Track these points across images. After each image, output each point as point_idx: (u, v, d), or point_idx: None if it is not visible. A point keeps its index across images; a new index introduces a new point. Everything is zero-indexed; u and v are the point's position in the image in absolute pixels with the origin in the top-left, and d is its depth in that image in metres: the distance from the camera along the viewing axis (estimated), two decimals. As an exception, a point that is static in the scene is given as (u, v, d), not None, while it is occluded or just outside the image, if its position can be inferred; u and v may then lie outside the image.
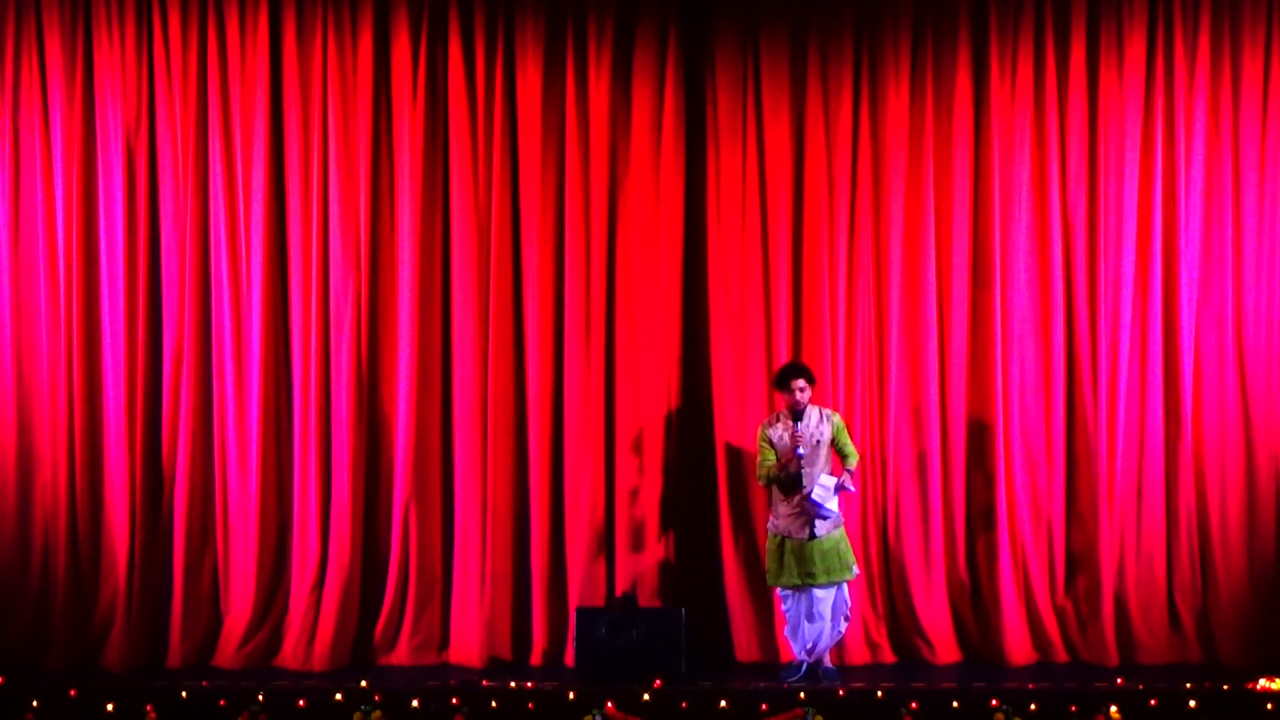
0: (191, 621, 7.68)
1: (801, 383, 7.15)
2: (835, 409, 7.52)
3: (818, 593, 7.15)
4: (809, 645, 7.22)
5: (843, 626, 7.29)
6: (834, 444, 7.22)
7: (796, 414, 7.16)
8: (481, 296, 7.80)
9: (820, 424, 7.18)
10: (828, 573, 7.12)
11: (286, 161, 7.82)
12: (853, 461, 7.27)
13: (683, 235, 7.88)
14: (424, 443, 7.77)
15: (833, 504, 7.08)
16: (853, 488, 7.25)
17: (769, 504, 7.36)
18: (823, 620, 7.18)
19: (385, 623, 7.72)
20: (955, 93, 7.80)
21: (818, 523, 7.09)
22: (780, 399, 7.30)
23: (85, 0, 7.75)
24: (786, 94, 7.85)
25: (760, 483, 7.35)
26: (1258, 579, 7.65)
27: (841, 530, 7.20)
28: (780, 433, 7.19)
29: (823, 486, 7.05)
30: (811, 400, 7.23)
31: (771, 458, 7.19)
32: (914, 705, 6.75)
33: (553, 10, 7.81)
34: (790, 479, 7.12)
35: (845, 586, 7.23)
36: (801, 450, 7.07)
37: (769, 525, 7.27)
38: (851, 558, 7.21)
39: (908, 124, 7.82)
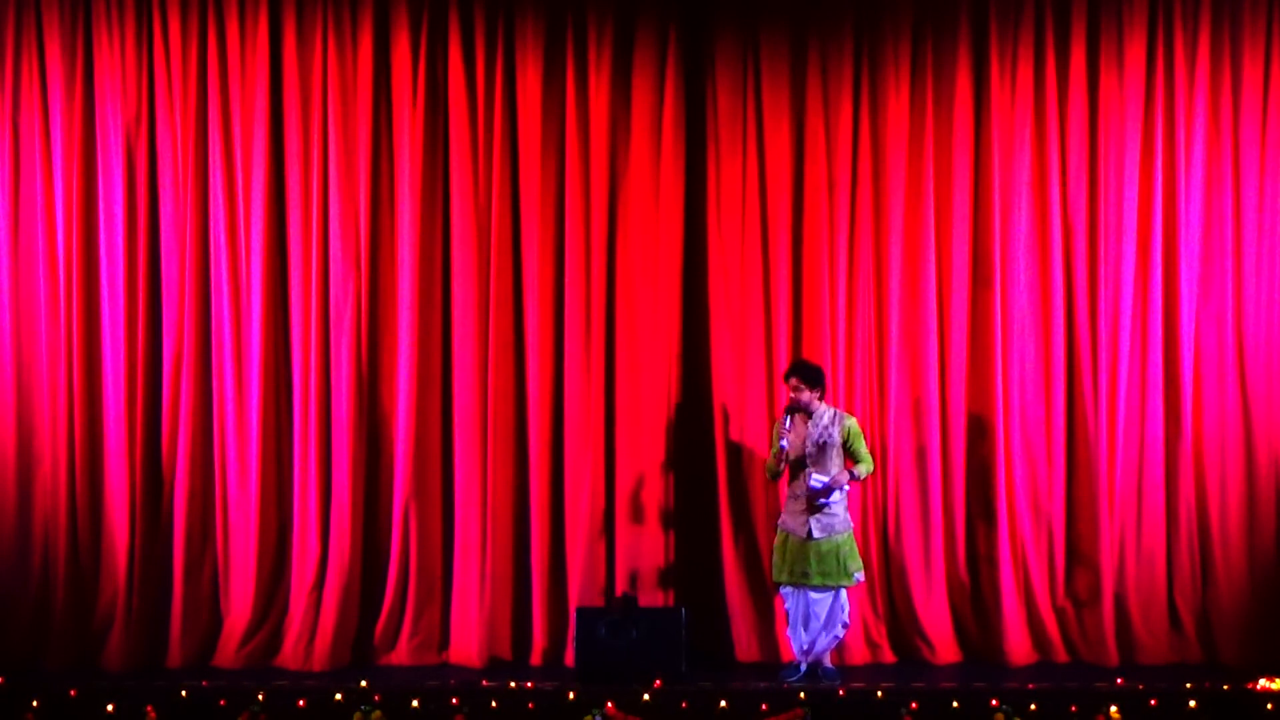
0: (191, 621, 7.68)
1: (794, 381, 7.17)
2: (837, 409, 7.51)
3: (812, 595, 7.15)
4: (804, 647, 7.22)
5: (839, 632, 7.25)
6: (846, 448, 7.21)
7: (794, 409, 7.18)
8: (481, 296, 7.80)
9: (830, 426, 7.18)
10: (823, 575, 7.11)
11: (286, 162, 7.82)
12: (862, 469, 7.20)
13: (683, 235, 7.89)
14: (424, 443, 7.77)
15: (822, 497, 7.07)
16: (841, 487, 7.14)
17: (773, 502, 7.36)
18: (818, 623, 7.17)
19: (385, 623, 7.72)
20: (955, 93, 7.81)
21: (815, 524, 7.09)
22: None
23: (85, 0, 7.74)
24: (786, 94, 7.85)
25: (767, 475, 7.38)
26: (1258, 579, 7.65)
27: (846, 536, 7.17)
28: (783, 427, 7.20)
29: (810, 486, 7.06)
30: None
31: (777, 451, 7.19)
32: (914, 705, 6.74)
33: (553, 10, 7.82)
34: (784, 469, 7.17)
35: (844, 593, 7.20)
36: (784, 444, 7.09)
37: (779, 521, 7.29)
38: (855, 565, 7.18)
39: (908, 124, 7.83)
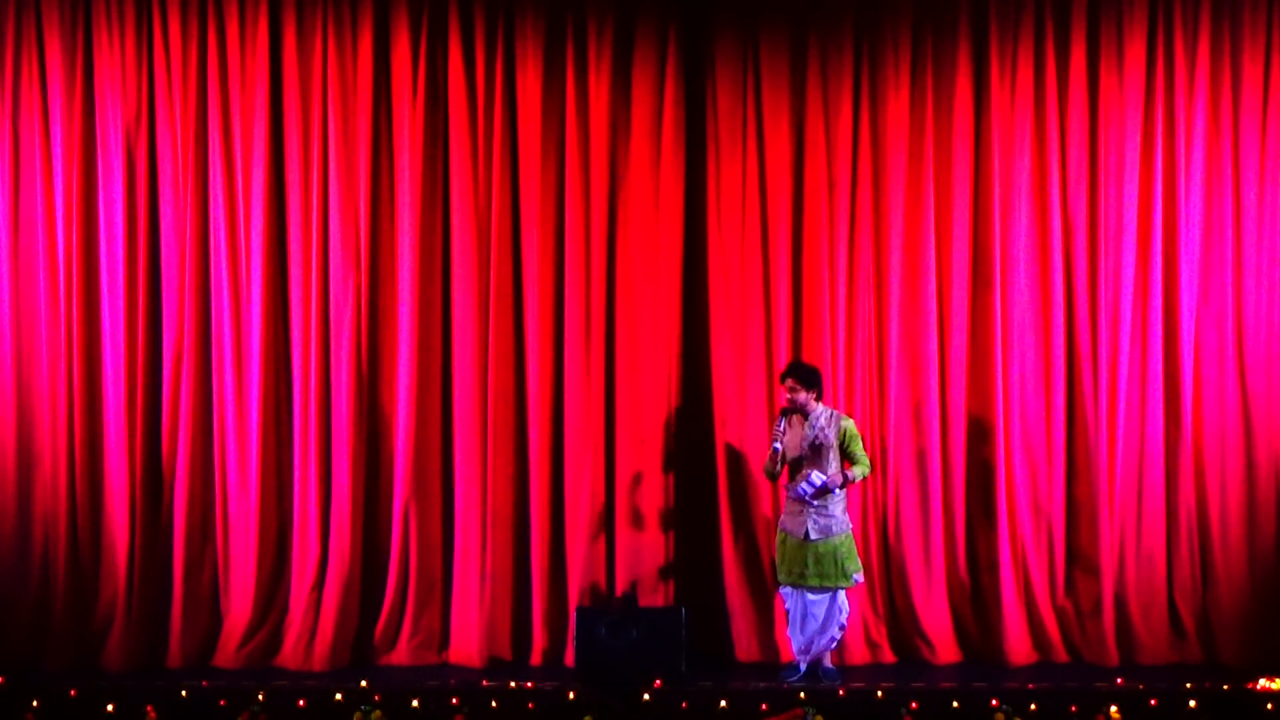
0: (191, 621, 7.68)
1: (791, 383, 7.17)
2: (837, 410, 7.50)
3: (810, 596, 7.14)
4: (801, 647, 7.22)
5: (837, 634, 7.24)
6: (842, 449, 7.20)
7: (791, 411, 7.18)
8: (481, 296, 7.80)
9: (826, 427, 7.17)
10: (821, 577, 7.10)
11: (286, 162, 7.82)
12: (858, 470, 7.18)
13: (683, 235, 7.88)
14: (424, 443, 7.77)
15: (817, 498, 7.06)
16: (832, 490, 7.07)
17: (775, 502, 7.38)
18: (815, 623, 7.16)
19: (385, 623, 7.72)
20: (955, 93, 7.80)
21: (812, 526, 7.08)
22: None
23: (85, 0, 7.74)
24: (786, 94, 7.85)
25: (766, 477, 7.40)
26: (1258, 579, 7.65)
27: (844, 538, 7.16)
28: (778, 429, 7.20)
29: (809, 483, 7.05)
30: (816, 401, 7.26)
31: (772, 453, 7.20)
32: (914, 705, 6.76)
33: (553, 10, 7.82)
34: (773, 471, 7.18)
35: (842, 594, 7.19)
36: (778, 446, 7.07)
37: (779, 521, 7.30)
38: (854, 566, 7.16)
39: (908, 124, 7.82)
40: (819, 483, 7.04)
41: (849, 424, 7.24)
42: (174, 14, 7.73)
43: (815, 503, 7.06)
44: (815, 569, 7.10)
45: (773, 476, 7.29)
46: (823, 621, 7.16)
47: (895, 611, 7.82)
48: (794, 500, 7.16)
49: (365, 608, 7.76)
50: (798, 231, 7.86)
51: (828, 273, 7.81)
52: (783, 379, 7.26)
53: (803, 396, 7.17)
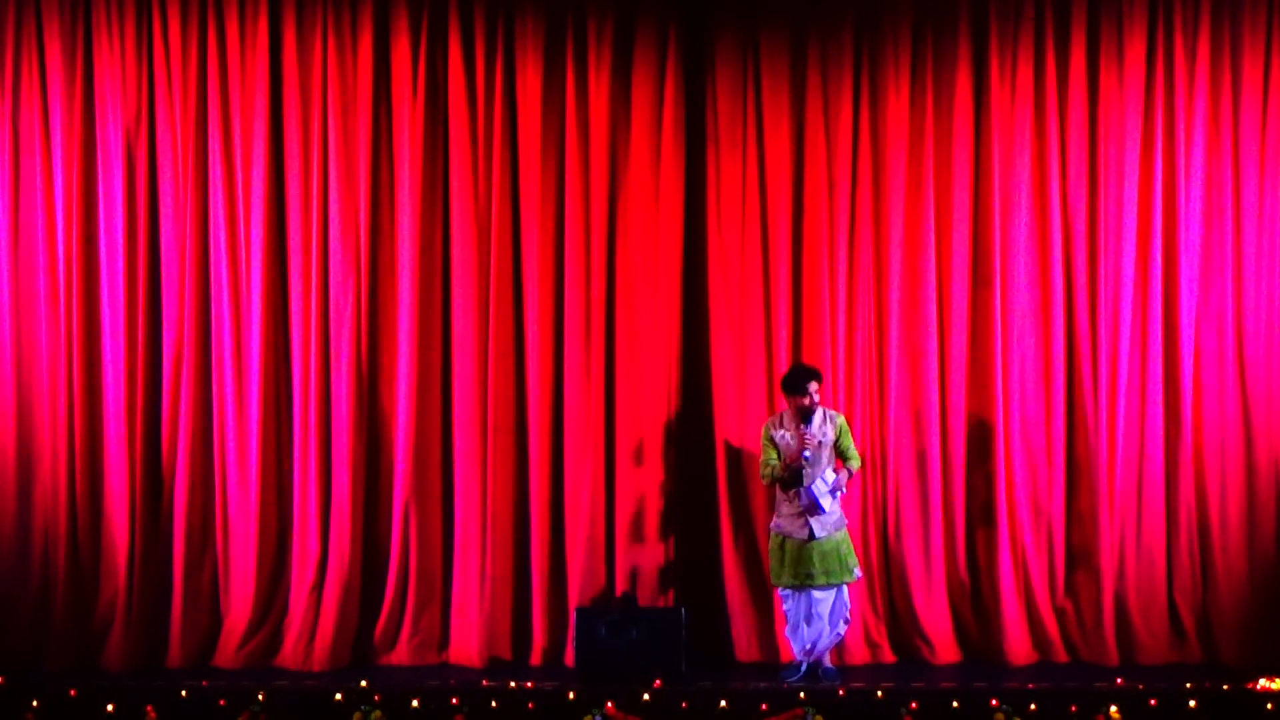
0: (191, 621, 7.68)
1: (815, 385, 7.14)
2: (835, 409, 7.51)
3: (816, 594, 7.15)
4: (807, 646, 7.22)
5: (842, 629, 7.28)
6: (836, 445, 7.21)
7: (806, 416, 7.15)
8: (481, 296, 7.80)
9: (824, 425, 7.18)
10: (826, 574, 7.12)
11: (286, 162, 7.82)
12: (854, 465, 7.27)
13: (683, 235, 7.88)
14: (424, 443, 7.77)
15: (827, 501, 7.07)
16: (843, 490, 7.21)
17: (771, 504, 7.37)
18: (821, 621, 7.18)
19: (385, 623, 7.72)
20: (955, 93, 7.81)
21: (816, 524, 7.09)
22: (788, 401, 7.26)
23: (85, 1, 7.75)
24: (786, 94, 7.85)
25: (763, 482, 7.36)
26: (1258, 579, 7.65)
27: (844, 533, 7.19)
28: (785, 434, 7.18)
29: (823, 481, 7.05)
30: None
31: (774, 457, 7.19)
32: (914, 705, 6.75)
33: (553, 10, 7.82)
34: (792, 475, 7.12)
35: (845, 589, 7.22)
36: (808, 454, 7.06)
37: (771, 525, 7.28)
38: (854, 560, 7.20)
39: (908, 124, 7.83)
40: (830, 483, 7.05)
41: (842, 420, 7.29)
42: (174, 14, 7.74)
43: (825, 506, 7.07)
44: (821, 566, 7.11)
45: (773, 482, 7.27)
46: (828, 618, 7.17)
47: (895, 611, 7.82)
48: (792, 502, 7.13)
49: (365, 608, 7.76)
50: (798, 231, 7.87)
51: (828, 273, 7.81)
52: (803, 386, 7.10)
53: (819, 398, 7.17)
